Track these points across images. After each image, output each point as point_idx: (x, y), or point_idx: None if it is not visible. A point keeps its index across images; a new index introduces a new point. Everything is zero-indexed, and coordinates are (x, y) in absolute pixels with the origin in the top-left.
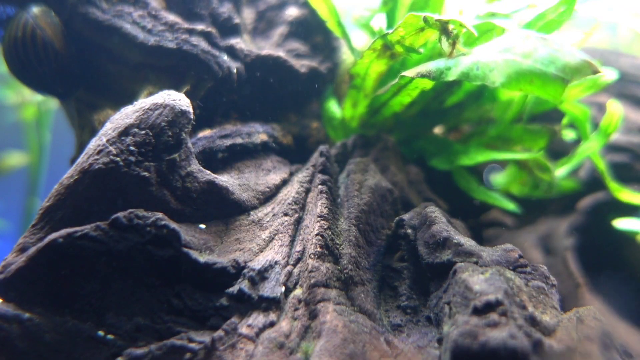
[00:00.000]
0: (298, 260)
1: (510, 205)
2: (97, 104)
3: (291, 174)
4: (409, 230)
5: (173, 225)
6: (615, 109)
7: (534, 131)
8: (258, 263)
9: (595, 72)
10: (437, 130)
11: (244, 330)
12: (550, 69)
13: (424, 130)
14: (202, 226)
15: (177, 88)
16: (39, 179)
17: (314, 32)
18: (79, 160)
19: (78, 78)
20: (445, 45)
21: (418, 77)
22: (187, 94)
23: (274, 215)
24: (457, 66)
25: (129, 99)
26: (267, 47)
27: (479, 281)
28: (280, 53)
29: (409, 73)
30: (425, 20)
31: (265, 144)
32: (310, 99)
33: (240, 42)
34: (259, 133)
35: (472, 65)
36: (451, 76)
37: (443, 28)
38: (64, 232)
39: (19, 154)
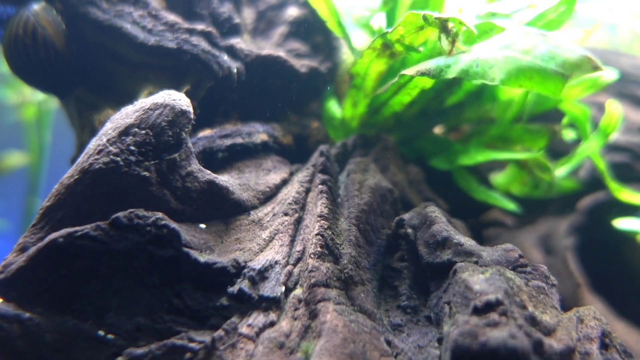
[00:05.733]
0: (298, 260)
1: (510, 205)
2: (98, 103)
3: (291, 174)
4: (409, 230)
5: (173, 225)
6: (615, 109)
7: (534, 131)
8: (258, 263)
9: (595, 67)
10: (437, 130)
11: (244, 330)
12: (550, 64)
13: (424, 130)
14: (203, 226)
15: (177, 88)
16: (39, 179)
17: (314, 32)
18: (79, 160)
19: (78, 77)
20: (445, 43)
21: (418, 75)
22: (187, 94)
23: (274, 215)
24: (457, 64)
25: (129, 98)
26: (268, 47)
27: (479, 281)
28: (281, 53)
29: (408, 71)
30: (425, 18)
31: (265, 143)
32: (310, 98)
33: (241, 42)
34: (259, 133)
35: (472, 62)
36: (451, 74)
37: (442, 26)
38: (64, 231)
39: (19, 154)
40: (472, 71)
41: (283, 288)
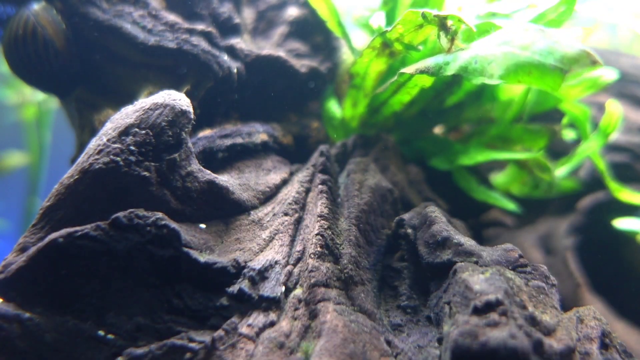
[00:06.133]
0: (298, 260)
1: (510, 205)
2: (98, 103)
3: (291, 174)
4: (409, 230)
5: (173, 225)
6: (615, 109)
7: (534, 131)
8: (258, 263)
9: (594, 62)
10: (437, 130)
11: (244, 330)
12: (548, 60)
13: (424, 130)
14: (203, 226)
15: (177, 88)
16: (39, 179)
17: (314, 32)
18: (80, 160)
19: (78, 77)
20: (444, 41)
21: (417, 73)
22: (188, 94)
23: (274, 215)
24: (456, 61)
25: (129, 98)
26: (268, 47)
27: (479, 281)
28: (281, 53)
29: (408, 69)
30: (424, 16)
31: (265, 143)
32: (310, 98)
33: (241, 42)
34: (259, 133)
35: (471, 59)
36: (450, 71)
37: (442, 24)
38: (64, 231)
39: (19, 154)
40: (470, 68)
41: (283, 288)
